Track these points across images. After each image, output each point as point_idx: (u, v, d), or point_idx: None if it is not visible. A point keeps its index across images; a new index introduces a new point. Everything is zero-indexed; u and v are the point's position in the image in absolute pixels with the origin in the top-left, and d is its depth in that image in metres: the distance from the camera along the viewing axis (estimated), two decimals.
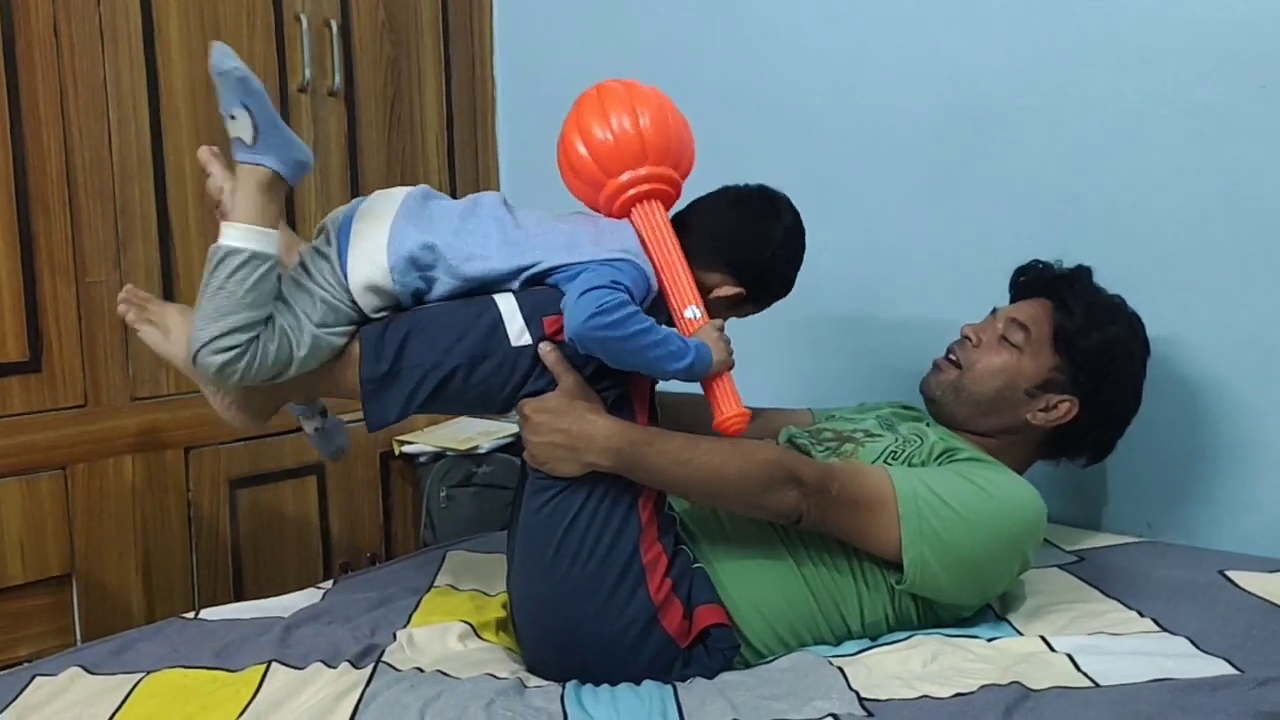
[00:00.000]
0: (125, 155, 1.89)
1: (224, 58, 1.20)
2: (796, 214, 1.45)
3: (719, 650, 1.30)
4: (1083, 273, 1.53)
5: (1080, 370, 1.45)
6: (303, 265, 1.32)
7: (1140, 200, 1.68)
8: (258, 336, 1.25)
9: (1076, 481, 1.79)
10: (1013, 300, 1.58)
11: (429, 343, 1.29)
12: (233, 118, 1.22)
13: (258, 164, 1.24)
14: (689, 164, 1.43)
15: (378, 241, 1.30)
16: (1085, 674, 1.20)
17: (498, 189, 2.55)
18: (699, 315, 1.34)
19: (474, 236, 1.33)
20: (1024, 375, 1.46)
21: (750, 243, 1.40)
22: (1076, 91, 1.73)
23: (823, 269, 2.01)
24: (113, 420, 1.89)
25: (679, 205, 1.44)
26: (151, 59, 1.92)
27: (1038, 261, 1.58)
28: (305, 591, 1.59)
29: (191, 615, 1.50)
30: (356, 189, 2.25)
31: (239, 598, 1.93)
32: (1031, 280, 1.57)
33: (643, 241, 1.36)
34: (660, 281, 1.35)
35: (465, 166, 2.48)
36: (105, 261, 1.87)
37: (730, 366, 1.33)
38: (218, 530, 2.04)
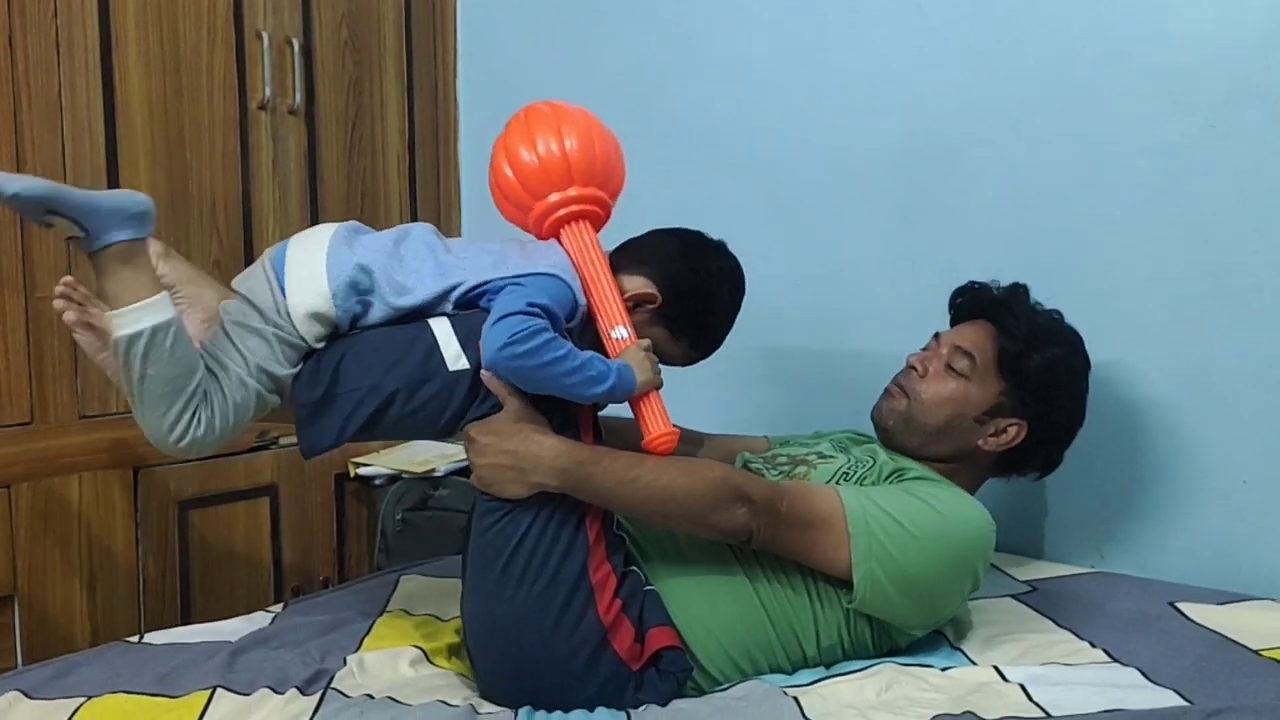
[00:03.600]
0: (79, 170, 1.86)
1: (4, 184, 1.14)
2: (738, 263, 1.46)
3: (671, 674, 1.29)
4: (1020, 292, 1.54)
5: (1027, 393, 1.47)
6: (247, 304, 1.30)
7: (1093, 235, 1.71)
8: (206, 393, 1.25)
9: (1030, 512, 1.81)
10: (952, 323, 1.60)
11: (364, 367, 1.29)
12: (50, 225, 1.18)
13: (103, 247, 1.20)
14: (618, 184, 1.45)
15: (316, 269, 1.30)
16: (1037, 704, 1.21)
17: (459, 211, 2.55)
18: (626, 335, 1.34)
19: (407, 263, 1.33)
20: (972, 403, 1.47)
21: (677, 259, 1.42)
22: (1031, 128, 1.76)
23: (782, 300, 2.04)
24: (60, 438, 1.85)
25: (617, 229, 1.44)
26: (109, 74, 1.90)
27: (974, 283, 1.59)
28: (253, 615, 1.56)
29: (136, 639, 1.47)
30: (316, 208, 2.23)
31: (187, 621, 1.89)
32: (969, 302, 1.58)
33: (572, 261, 1.36)
34: (589, 300, 1.35)
35: (427, 188, 2.47)
36: (54, 277, 1.81)
37: (657, 386, 1.34)
38: (166, 552, 2.00)
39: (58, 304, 1.29)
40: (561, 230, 1.39)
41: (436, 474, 2.17)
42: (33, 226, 1.78)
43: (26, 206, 1.15)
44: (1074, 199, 1.73)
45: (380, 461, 2.24)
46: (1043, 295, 1.54)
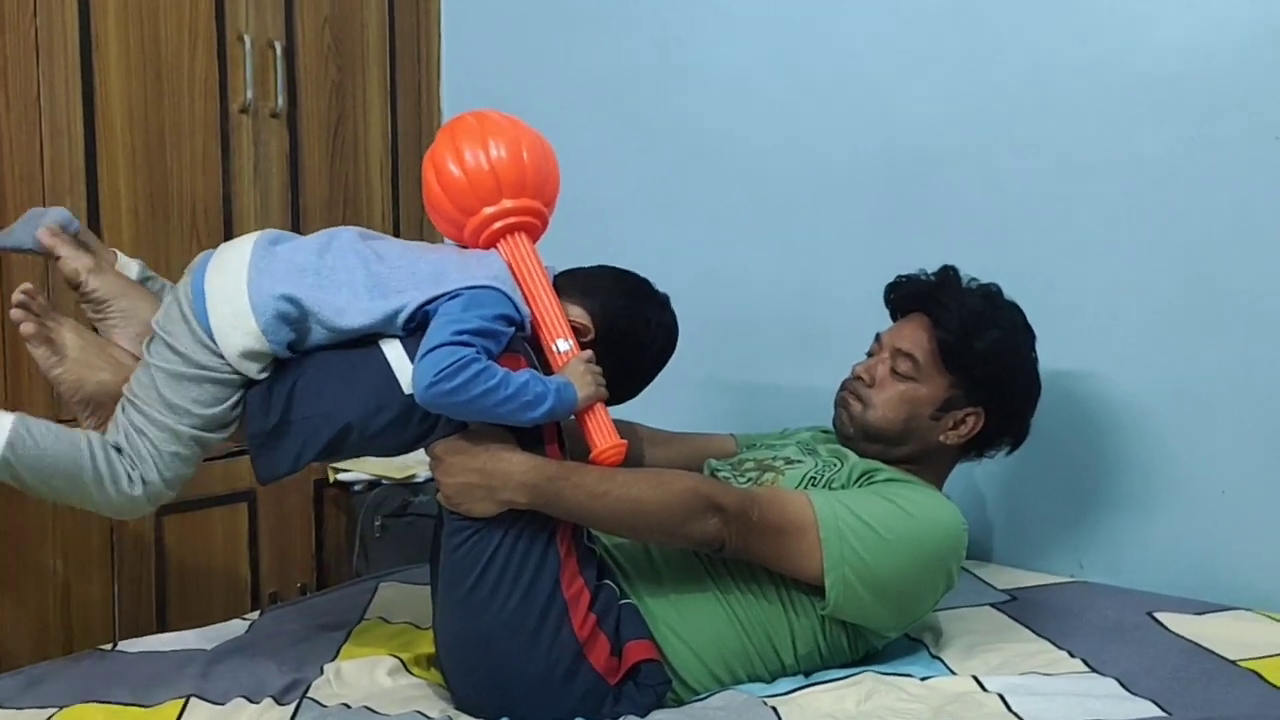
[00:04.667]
0: (57, 171, 1.84)
1: None
2: (675, 323, 1.45)
3: (649, 686, 1.29)
4: (949, 277, 1.53)
5: (976, 382, 1.46)
6: (169, 350, 1.25)
7: (1073, 245, 1.72)
8: (113, 456, 1.23)
9: (1010, 521, 1.81)
10: (892, 319, 1.59)
11: (317, 394, 1.26)
12: None
13: None
14: (552, 192, 1.42)
15: (239, 305, 1.24)
16: (1016, 714, 1.21)
17: None
18: (569, 348, 1.32)
19: (337, 278, 1.27)
20: (924, 402, 1.47)
21: (621, 301, 1.40)
22: (1010, 138, 1.77)
23: (762, 307, 2.05)
24: None
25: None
26: (89, 75, 1.88)
27: (902, 277, 1.58)
28: (230, 623, 1.55)
29: (109, 647, 1.45)
30: (298, 213, 2.22)
31: (163, 629, 1.87)
32: (903, 297, 1.57)
33: (512, 273, 1.34)
34: (530, 312, 1.33)
35: (410, 192, 2.46)
36: (33, 279, 1.80)
37: (602, 400, 1.32)
38: (142, 559, 1.98)
39: (15, 314, 1.28)
40: (499, 243, 1.36)
41: (416, 480, 2.15)
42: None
43: None
44: (1053, 209, 1.73)
45: (360, 467, 2.22)
46: (1022, 303, 1.53)
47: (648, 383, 1.45)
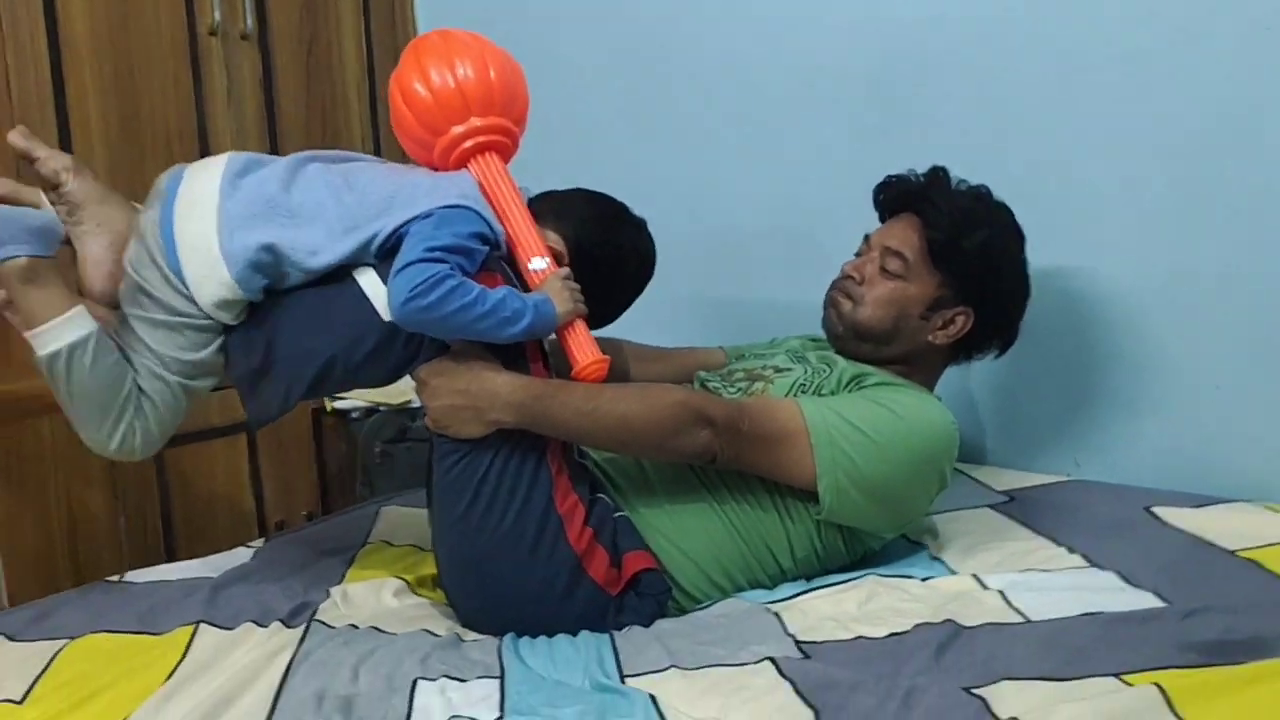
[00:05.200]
0: (25, 105, 1.80)
1: None
2: (653, 247, 1.43)
3: (651, 596, 1.30)
4: (939, 177, 1.51)
5: (965, 281, 1.46)
6: (145, 295, 1.23)
7: (1065, 144, 1.69)
8: (138, 403, 1.21)
9: (1005, 423, 1.82)
10: (881, 220, 1.57)
11: (297, 332, 1.24)
12: None
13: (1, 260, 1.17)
14: (521, 110, 1.39)
15: (211, 254, 1.21)
16: (1016, 609, 1.22)
17: None
18: (545, 266, 1.30)
19: (308, 213, 1.25)
20: (913, 300, 1.46)
21: (595, 225, 1.39)
22: (1001, 40, 1.73)
23: (753, 220, 2.02)
24: (25, 381, 1.81)
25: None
26: (50, 2, 1.82)
27: (892, 176, 1.56)
28: (235, 551, 1.56)
29: (117, 579, 1.46)
30: (274, 137, 2.17)
31: (171, 560, 1.88)
32: (892, 197, 1.56)
33: (483, 193, 1.31)
34: (505, 232, 1.31)
35: (388, 112, 2.40)
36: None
37: (581, 315, 1.31)
38: (145, 493, 1.98)
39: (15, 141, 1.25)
40: (469, 162, 1.34)
41: (413, 405, 2.15)
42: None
43: None
44: (1045, 109, 1.70)
45: (356, 395, 2.22)
46: (1012, 203, 1.51)
47: (625, 306, 1.44)
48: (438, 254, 1.20)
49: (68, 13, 1.85)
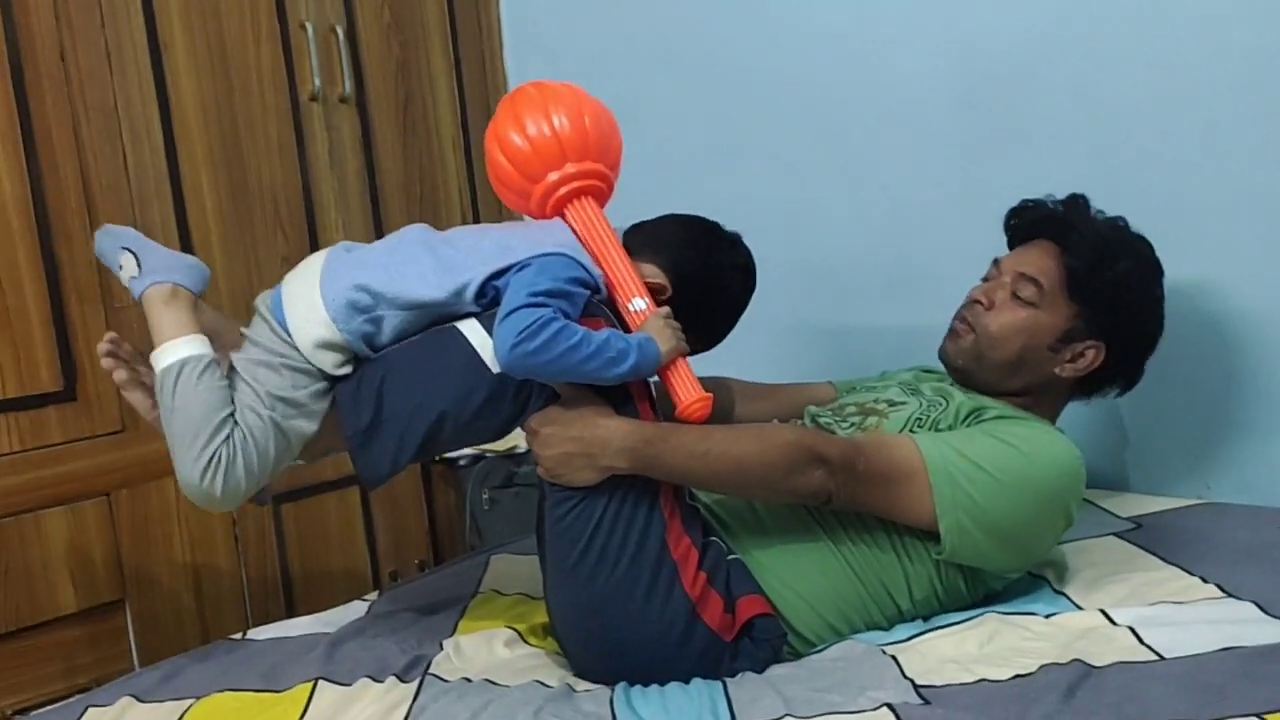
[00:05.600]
0: (141, 177, 1.89)
1: (99, 239, 1.32)
2: (752, 259, 1.42)
3: (765, 641, 1.28)
4: (1079, 204, 1.46)
5: (1101, 313, 1.40)
6: (251, 344, 1.29)
7: (1174, 153, 1.62)
8: (230, 437, 1.24)
9: (1130, 445, 1.74)
10: (1010, 245, 1.52)
11: (406, 386, 1.26)
12: (121, 267, 1.29)
13: (151, 284, 1.26)
14: (615, 155, 1.41)
15: (312, 299, 1.27)
16: (1149, 647, 1.17)
17: None
18: (645, 306, 1.31)
19: (406, 266, 1.29)
20: (1044, 330, 1.41)
21: (692, 250, 1.39)
22: (1099, 46, 1.68)
23: (843, 244, 1.99)
24: (151, 444, 1.88)
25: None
26: (160, 78, 1.92)
27: (1027, 201, 1.51)
28: (350, 605, 1.59)
29: (239, 636, 1.50)
30: (375, 195, 2.24)
31: (291, 613, 1.94)
32: (1027, 223, 1.51)
33: (579, 238, 1.33)
34: (603, 275, 1.32)
35: (483, 166, 2.45)
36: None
37: (683, 354, 1.30)
38: (265, 547, 2.05)
39: (105, 363, 1.34)
40: (565, 209, 1.35)
41: (519, 451, 2.17)
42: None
43: (108, 247, 1.31)
44: (1149, 117, 1.64)
45: None
46: (1128, 217, 1.46)
47: (732, 325, 1.44)
48: (540, 299, 1.21)
49: (177, 86, 1.94)
